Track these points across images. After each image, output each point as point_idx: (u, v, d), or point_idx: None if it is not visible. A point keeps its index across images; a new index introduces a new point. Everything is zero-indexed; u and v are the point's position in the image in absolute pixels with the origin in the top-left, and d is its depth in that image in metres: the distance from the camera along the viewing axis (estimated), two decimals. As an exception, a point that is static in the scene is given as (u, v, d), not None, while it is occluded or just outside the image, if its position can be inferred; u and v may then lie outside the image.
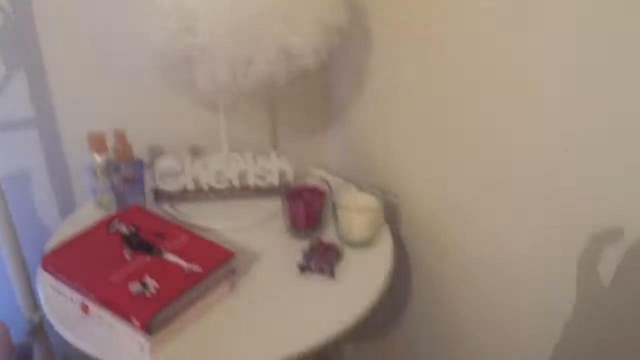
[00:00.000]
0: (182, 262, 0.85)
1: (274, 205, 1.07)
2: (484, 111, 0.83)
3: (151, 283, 0.82)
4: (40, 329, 1.09)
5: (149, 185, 1.06)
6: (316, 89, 1.30)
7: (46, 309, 0.86)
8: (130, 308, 0.78)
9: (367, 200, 1.01)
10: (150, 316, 0.77)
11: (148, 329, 0.76)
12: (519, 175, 0.79)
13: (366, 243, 0.99)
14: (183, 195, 1.08)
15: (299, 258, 0.95)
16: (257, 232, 1.03)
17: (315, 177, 1.16)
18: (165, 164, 1.07)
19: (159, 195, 1.08)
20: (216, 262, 0.86)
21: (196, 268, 0.84)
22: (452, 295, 1.01)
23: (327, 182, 1.08)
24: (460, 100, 0.87)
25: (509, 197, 0.81)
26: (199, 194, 1.09)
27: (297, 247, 0.98)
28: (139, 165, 1.00)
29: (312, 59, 0.85)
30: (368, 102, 1.16)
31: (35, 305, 1.08)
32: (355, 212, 0.97)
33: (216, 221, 1.04)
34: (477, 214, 0.89)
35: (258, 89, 0.86)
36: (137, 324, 0.76)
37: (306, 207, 1.00)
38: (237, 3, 0.80)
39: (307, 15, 0.85)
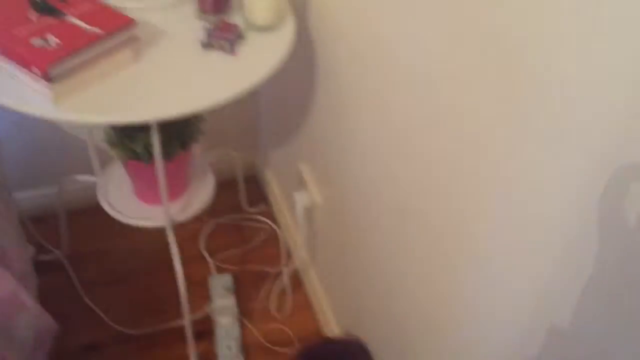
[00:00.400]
0: (84, 25, 0.91)
1: (187, -9, 1.11)
2: None
3: (53, 39, 0.87)
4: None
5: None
6: None
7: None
8: (32, 58, 0.84)
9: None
10: (49, 64, 0.83)
11: (48, 77, 0.83)
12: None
13: (268, 26, 1.05)
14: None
15: (202, 35, 1.01)
16: (167, 13, 1.08)
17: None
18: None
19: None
20: (117, 27, 0.91)
21: (98, 30, 0.90)
22: (351, 87, 1.09)
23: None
24: None
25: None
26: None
27: (204, 29, 1.03)
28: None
29: None
30: None
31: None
32: (260, -5, 1.02)
33: (127, 1, 1.07)
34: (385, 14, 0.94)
35: None
36: (38, 72, 0.83)
37: (214, -9, 1.05)
38: None
39: None
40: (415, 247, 0.94)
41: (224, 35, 1.00)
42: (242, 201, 1.71)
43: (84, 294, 1.48)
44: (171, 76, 0.94)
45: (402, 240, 0.99)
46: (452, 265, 0.82)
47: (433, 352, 0.94)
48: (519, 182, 0.63)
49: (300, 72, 1.30)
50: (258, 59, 1.00)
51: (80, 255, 1.57)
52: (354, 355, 1.19)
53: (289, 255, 1.61)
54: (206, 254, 1.61)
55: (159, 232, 1.68)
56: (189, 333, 1.32)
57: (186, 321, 1.29)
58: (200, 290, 1.51)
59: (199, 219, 1.69)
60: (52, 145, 1.56)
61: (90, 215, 1.68)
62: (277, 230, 1.69)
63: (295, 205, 1.42)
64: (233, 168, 1.64)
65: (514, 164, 0.64)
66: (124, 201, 1.28)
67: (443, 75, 0.75)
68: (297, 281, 1.58)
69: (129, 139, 1.13)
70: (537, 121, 0.58)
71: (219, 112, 1.56)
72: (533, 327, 0.67)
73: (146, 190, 1.26)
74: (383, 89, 0.94)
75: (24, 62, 0.84)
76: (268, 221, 1.71)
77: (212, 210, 1.71)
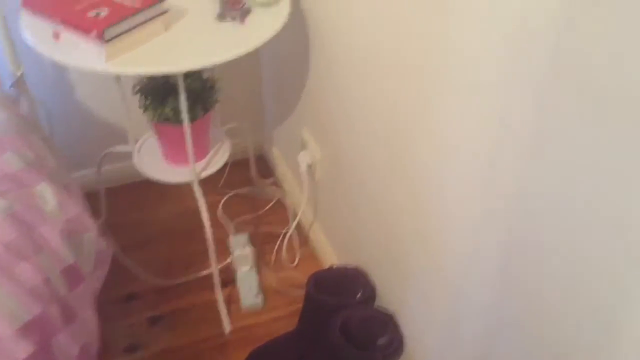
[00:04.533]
0: (126, 0, 1.17)
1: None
2: None
3: (103, 11, 1.13)
4: (22, 80, 1.40)
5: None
6: None
7: (28, 37, 1.17)
8: (90, 25, 1.10)
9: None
10: (104, 28, 1.09)
11: (103, 38, 1.09)
12: None
13: (270, 3, 1.31)
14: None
15: (217, 9, 1.27)
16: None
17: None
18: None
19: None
20: (152, 1, 1.17)
21: (137, 4, 1.16)
22: (337, 58, 1.34)
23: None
24: None
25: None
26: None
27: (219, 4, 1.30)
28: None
29: None
30: None
31: (16, 60, 1.39)
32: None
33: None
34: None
35: None
36: (96, 34, 1.08)
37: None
38: None
39: None
40: (396, 179, 1.18)
41: (234, 7, 1.26)
42: (253, 175, 1.95)
43: (123, 255, 1.72)
44: (195, 40, 1.20)
45: (387, 175, 1.22)
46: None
47: (417, 267, 1.17)
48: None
49: (296, 46, 1.55)
50: (262, 26, 1.26)
51: (119, 224, 1.82)
52: (354, 277, 1.42)
53: (295, 216, 1.85)
54: (225, 220, 1.85)
55: (185, 202, 1.93)
56: (216, 279, 1.54)
57: (213, 268, 1.52)
58: (221, 249, 1.74)
59: (218, 192, 1.93)
60: (92, 132, 1.83)
61: (126, 191, 1.95)
62: (285, 197, 1.93)
63: (299, 167, 1.66)
64: (245, 147, 1.89)
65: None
66: (155, 164, 1.53)
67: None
68: (303, 236, 1.81)
69: (160, 103, 1.37)
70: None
71: (230, 90, 1.82)
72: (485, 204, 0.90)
73: (174, 152, 1.50)
74: (367, 58, 1.19)
75: (84, 29, 1.10)
76: (276, 190, 1.95)
77: (228, 184, 1.96)
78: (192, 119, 1.39)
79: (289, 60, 1.66)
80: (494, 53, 0.79)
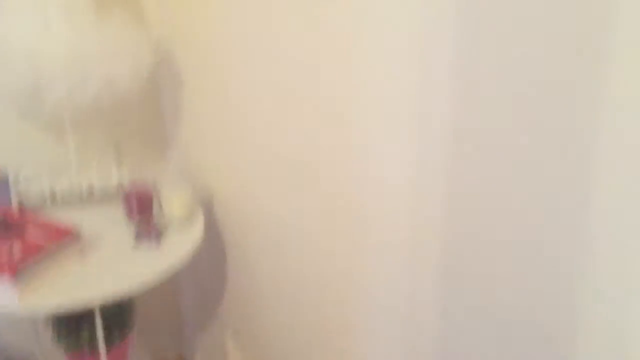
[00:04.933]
0: (38, 236, 1.17)
1: (118, 204, 1.40)
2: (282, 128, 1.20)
3: (17, 250, 1.12)
4: None
5: (14, 196, 1.35)
6: (151, 118, 1.66)
7: None
8: (1, 266, 1.07)
9: (183, 194, 1.37)
10: (16, 269, 1.07)
11: (15, 278, 1.06)
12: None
13: (183, 223, 1.35)
14: (42, 205, 1.38)
15: (132, 234, 1.29)
16: (104, 221, 1.36)
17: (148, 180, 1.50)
18: (27, 181, 1.37)
19: (22, 205, 1.37)
20: (64, 235, 1.18)
21: (49, 239, 1.16)
22: (254, 259, 1.37)
23: (155, 184, 1.43)
24: (262, 118, 1.25)
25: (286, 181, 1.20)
26: (55, 203, 1.39)
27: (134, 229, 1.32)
28: (5, 181, 1.31)
29: (129, 85, 1.24)
30: (190, 126, 1.54)
31: None
32: (174, 199, 1.33)
33: (71, 217, 1.34)
34: (266, 200, 1.27)
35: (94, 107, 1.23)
36: (8, 275, 1.06)
37: (138, 202, 1.35)
38: (72, 45, 1.17)
39: (125, 56, 1.24)
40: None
41: (148, 233, 1.28)
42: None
43: None
44: (111, 268, 1.19)
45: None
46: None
47: None
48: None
49: (212, 259, 1.58)
50: (178, 247, 1.28)
51: None
52: None
53: None
54: None
55: None
56: None
57: None
58: None
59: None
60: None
61: None
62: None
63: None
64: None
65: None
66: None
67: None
68: None
69: (75, 331, 1.32)
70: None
71: (148, 306, 1.78)
72: None
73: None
74: (279, 254, 1.24)
75: (-4, 271, 1.07)
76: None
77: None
78: (110, 344, 1.34)
79: (207, 270, 1.67)
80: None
